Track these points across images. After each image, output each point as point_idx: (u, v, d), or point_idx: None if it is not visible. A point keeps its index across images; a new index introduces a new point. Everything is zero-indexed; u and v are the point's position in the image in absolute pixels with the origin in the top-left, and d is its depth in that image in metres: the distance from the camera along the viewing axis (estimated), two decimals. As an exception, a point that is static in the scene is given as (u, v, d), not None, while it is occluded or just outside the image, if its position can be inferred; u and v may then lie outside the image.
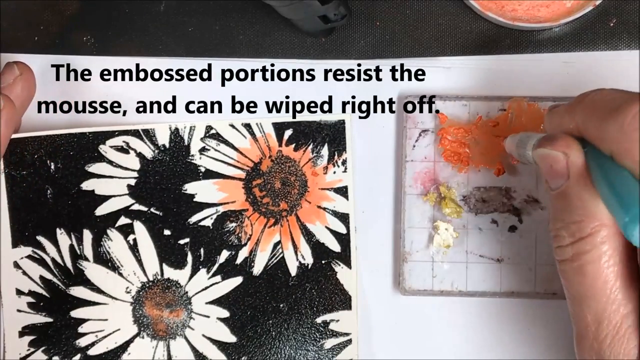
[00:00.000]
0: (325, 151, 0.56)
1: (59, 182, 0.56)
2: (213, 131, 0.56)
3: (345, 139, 0.56)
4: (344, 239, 0.56)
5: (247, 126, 0.56)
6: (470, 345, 0.55)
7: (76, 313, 0.56)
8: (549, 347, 0.55)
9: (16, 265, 0.56)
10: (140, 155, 0.56)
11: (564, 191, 0.42)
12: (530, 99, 0.54)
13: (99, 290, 0.56)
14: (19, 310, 0.56)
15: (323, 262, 0.56)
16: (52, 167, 0.56)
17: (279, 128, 0.56)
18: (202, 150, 0.56)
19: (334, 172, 0.56)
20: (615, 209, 0.37)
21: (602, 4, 0.54)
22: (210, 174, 0.56)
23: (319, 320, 0.55)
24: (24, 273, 0.56)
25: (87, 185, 0.56)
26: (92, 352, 0.56)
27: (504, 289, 0.54)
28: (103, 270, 0.56)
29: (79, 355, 0.56)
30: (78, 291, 0.56)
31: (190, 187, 0.56)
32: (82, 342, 0.56)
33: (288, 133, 0.56)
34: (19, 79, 0.54)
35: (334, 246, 0.56)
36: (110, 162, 0.56)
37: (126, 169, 0.56)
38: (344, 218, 0.56)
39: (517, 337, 0.55)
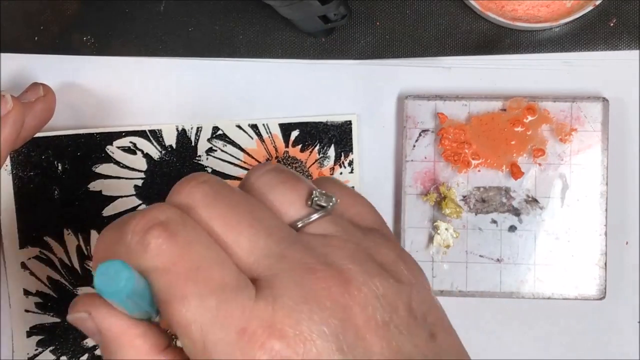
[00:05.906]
0: (332, 152, 0.56)
1: (66, 182, 0.56)
2: (220, 132, 0.56)
3: (352, 140, 0.56)
4: (349, 239, 0.56)
5: (254, 127, 0.56)
6: (470, 345, 0.56)
7: (84, 313, 0.56)
8: (548, 347, 0.56)
9: (24, 265, 0.56)
10: (147, 156, 0.56)
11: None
12: (530, 99, 0.54)
13: (106, 291, 0.56)
14: (26, 311, 0.56)
15: None
16: (60, 167, 0.56)
17: (286, 129, 0.56)
18: (209, 151, 0.56)
19: (341, 173, 0.56)
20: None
21: (602, 4, 0.54)
22: (217, 175, 0.56)
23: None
24: (32, 273, 0.56)
25: (94, 186, 0.56)
26: (100, 351, 0.56)
27: (504, 289, 0.55)
28: (110, 271, 0.56)
29: (86, 355, 0.56)
30: (86, 291, 0.56)
31: (197, 188, 0.56)
32: (90, 341, 0.56)
33: (294, 134, 0.56)
34: (41, 99, 0.53)
35: (340, 246, 0.56)
36: (118, 163, 0.56)
37: (133, 169, 0.56)
38: (349, 219, 0.56)
39: (517, 337, 0.56)
